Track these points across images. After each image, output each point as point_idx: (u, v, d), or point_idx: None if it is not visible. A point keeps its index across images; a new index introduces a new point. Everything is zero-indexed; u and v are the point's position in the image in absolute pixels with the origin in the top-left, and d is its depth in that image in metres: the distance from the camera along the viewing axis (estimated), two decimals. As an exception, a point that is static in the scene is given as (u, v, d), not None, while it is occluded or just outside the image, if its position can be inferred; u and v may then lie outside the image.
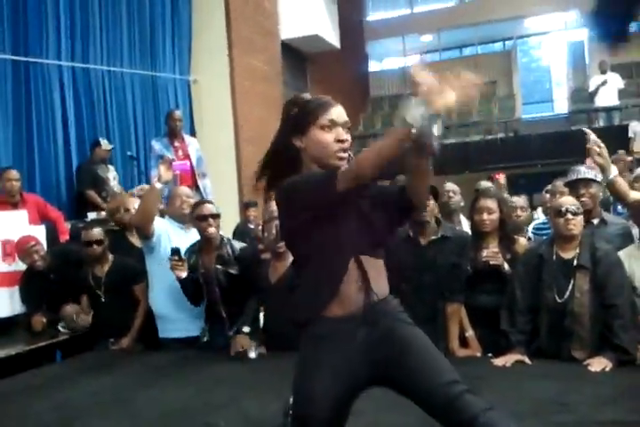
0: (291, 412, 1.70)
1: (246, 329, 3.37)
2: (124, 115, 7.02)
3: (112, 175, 5.85)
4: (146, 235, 3.56)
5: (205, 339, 3.55)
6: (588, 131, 3.37)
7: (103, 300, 3.89)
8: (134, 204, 4.08)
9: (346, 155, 1.73)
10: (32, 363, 3.59)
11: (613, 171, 3.24)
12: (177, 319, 3.64)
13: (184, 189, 3.91)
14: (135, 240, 4.15)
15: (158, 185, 3.50)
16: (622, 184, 3.28)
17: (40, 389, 3.03)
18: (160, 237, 3.61)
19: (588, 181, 3.45)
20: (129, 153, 6.35)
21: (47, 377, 3.27)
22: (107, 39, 6.83)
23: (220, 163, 7.45)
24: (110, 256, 3.96)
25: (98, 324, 3.91)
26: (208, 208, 3.50)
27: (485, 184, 5.26)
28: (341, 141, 1.71)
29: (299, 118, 1.75)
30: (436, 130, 1.44)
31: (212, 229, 3.46)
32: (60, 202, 5.72)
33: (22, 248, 4.15)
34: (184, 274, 3.35)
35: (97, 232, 3.90)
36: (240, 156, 8.59)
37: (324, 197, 1.58)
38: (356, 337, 1.65)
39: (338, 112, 1.75)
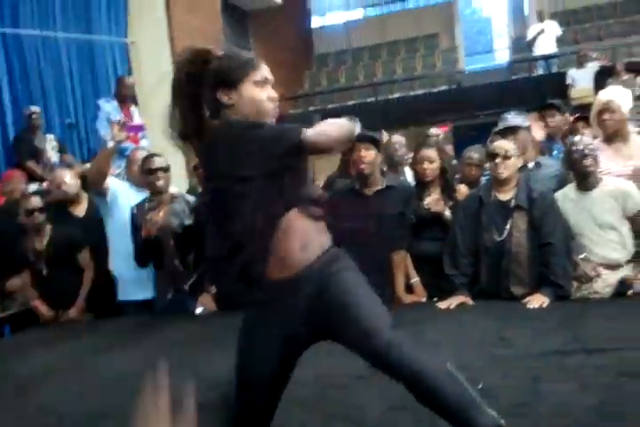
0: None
1: (212, 289, 3.43)
2: (60, 81, 6.77)
3: (50, 146, 5.69)
4: (99, 191, 3.63)
5: (169, 296, 3.56)
6: None
7: (45, 273, 3.81)
8: (67, 176, 4.03)
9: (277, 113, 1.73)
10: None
11: None
12: (137, 281, 3.67)
13: (141, 154, 3.86)
14: (76, 210, 4.09)
15: (111, 144, 3.52)
16: None
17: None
18: (116, 197, 3.65)
19: (514, 128, 3.56)
20: (68, 120, 6.18)
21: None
22: (37, 2, 6.52)
23: (160, 126, 7.31)
24: (48, 228, 3.87)
25: (43, 297, 3.84)
26: (157, 161, 3.49)
27: (435, 131, 5.31)
28: (273, 99, 1.70)
29: (227, 72, 1.68)
30: None
31: (160, 182, 3.45)
32: (-1, 173, 5.55)
33: None
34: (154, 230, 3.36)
35: (36, 200, 3.82)
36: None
37: (289, 145, 1.57)
38: (293, 300, 1.63)
39: (267, 69, 1.73)
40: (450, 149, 4.71)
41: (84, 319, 3.79)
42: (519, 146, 3.46)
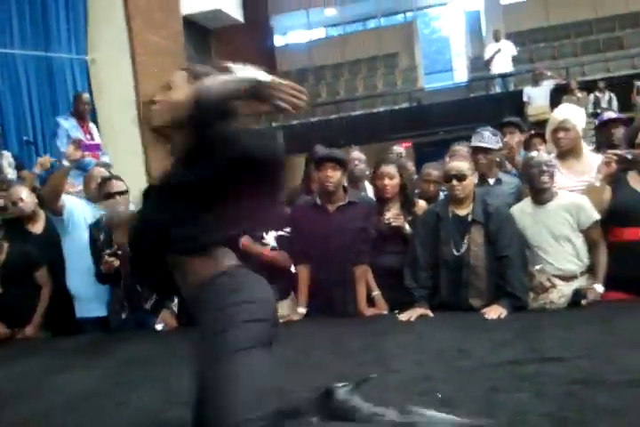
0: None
1: (172, 304, 3.40)
2: (18, 98, 6.68)
3: (7, 162, 5.59)
4: (54, 211, 3.61)
5: (123, 315, 3.52)
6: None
7: (0, 290, 3.73)
8: (23, 193, 3.99)
9: None
10: None
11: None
12: (95, 298, 3.63)
13: (101, 172, 3.84)
14: (33, 228, 4.06)
15: (66, 163, 3.48)
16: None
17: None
18: (72, 215, 3.64)
19: (488, 149, 3.67)
20: (25, 138, 6.09)
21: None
22: (-6, 18, 6.45)
23: (122, 148, 7.21)
24: (6, 246, 3.81)
25: None
26: (116, 185, 3.50)
27: (398, 149, 5.38)
28: None
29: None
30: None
31: (121, 207, 3.44)
32: (-47, 191, 5.42)
33: None
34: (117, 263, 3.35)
35: None
36: (144, 135, 8.39)
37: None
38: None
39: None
40: (411, 165, 4.77)
41: (40, 337, 3.72)
42: (489, 164, 3.57)
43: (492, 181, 3.69)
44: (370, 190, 4.49)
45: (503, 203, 3.34)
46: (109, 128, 6.53)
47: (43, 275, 3.80)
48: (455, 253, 3.09)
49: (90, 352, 3.21)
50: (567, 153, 3.52)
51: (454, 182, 3.14)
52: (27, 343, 3.62)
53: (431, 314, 3.08)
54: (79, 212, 3.68)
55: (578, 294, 3.03)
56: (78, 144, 3.54)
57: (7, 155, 5.65)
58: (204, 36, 11.28)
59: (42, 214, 3.97)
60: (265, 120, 11.76)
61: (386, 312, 3.29)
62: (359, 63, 14.13)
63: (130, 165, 7.45)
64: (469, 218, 3.13)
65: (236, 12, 10.64)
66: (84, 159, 4.19)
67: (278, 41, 15.90)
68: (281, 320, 3.24)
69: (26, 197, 3.97)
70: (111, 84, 7.99)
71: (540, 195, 3.19)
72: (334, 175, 3.29)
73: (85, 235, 3.58)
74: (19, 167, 5.72)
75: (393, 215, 3.34)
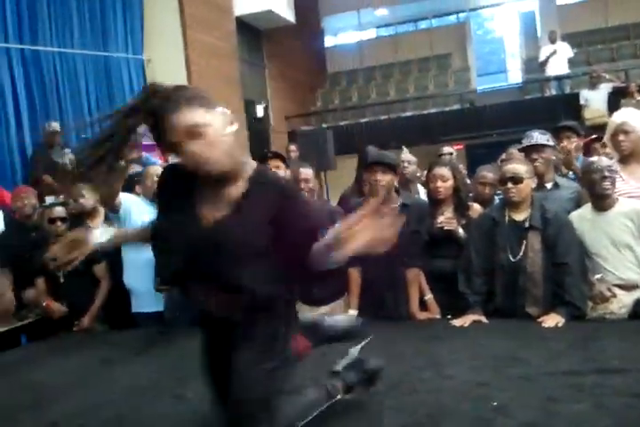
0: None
1: None
2: (77, 97, 6.89)
3: (68, 159, 5.76)
4: (111, 208, 3.67)
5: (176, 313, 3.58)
6: None
7: (62, 281, 3.88)
8: (84, 190, 4.08)
9: None
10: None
11: None
12: (150, 293, 3.68)
13: (156, 169, 3.91)
14: (92, 224, 4.15)
15: (122, 163, 3.54)
16: None
17: (7, 370, 3.04)
18: (129, 212, 3.67)
19: (540, 147, 3.58)
20: (84, 136, 6.24)
21: (14, 359, 3.28)
22: (55, 19, 6.65)
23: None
24: None
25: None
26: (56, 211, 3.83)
27: (448, 149, 5.33)
28: None
29: None
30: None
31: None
32: (15, 186, 5.61)
33: (15, 194, 4.45)
34: None
35: (60, 210, 3.98)
36: (199, 135, 8.52)
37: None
38: None
39: None
40: (462, 167, 4.72)
41: (97, 329, 3.83)
42: (545, 165, 3.47)
43: (549, 185, 3.59)
44: (422, 193, 4.46)
45: (561, 208, 3.26)
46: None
47: (101, 269, 3.91)
48: (511, 259, 3.03)
49: (146, 346, 3.29)
50: (628, 158, 3.41)
51: (509, 185, 3.07)
52: (85, 335, 3.73)
53: (485, 320, 3.03)
54: (136, 209, 3.74)
55: (639, 305, 2.94)
56: (135, 144, 3.61)
57: (67, 152, 5.84)
58: (256, 37, 11.40)
59: (101, 211, 4.08)
60: (315, 121, 11.83)
61: (438, 317, 3.25)
62: (410, 64, 14.02)
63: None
64: (526, 224, 3.06)
65: (287, 13, 10.72)
66: (144, 155, 4.31)
67: (329, 42, 15.93)
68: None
69: (87, 193, 4.11)
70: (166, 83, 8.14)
71: (601, 201, 3.10)
72: (384, 179, 3.25)
73: (141, 232, 3.66)
74: (78, 165, 5.90)
75: (446, 219, 3.30)
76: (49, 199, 5.05)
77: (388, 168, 3.25)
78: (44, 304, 3.85)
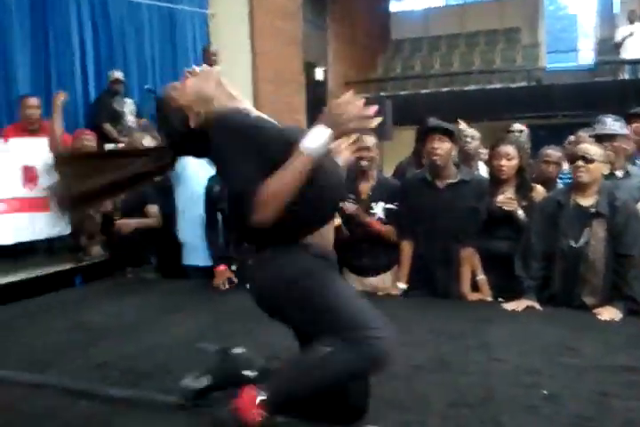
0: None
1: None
2: (141, 47, 6.88)
3: (128, 109, 5.81)
4: None
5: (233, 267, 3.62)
6: None
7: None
8: (146, 139, 4.20)
9: None
10: (52, 286, 3.71)
11: None
12: (202, 247, 3.74)
13: None
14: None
15: None
16: None
17: (61, 310, 3.13)
18: (185, 168, 3.73)
19: (612, 135, 3.44)
20: (147, 86, 6.26)
21: (68, 300, 3.38)
22: (125, -31, 6.62)
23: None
24: None
25: (114, 244, 4.05)
26: None
27: (518, 126, 5.13)
28: None
29: None
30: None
31: None
32: (76, 132, 5.70)
33: (77, 135, 4.52)
34: None
35: None
36: (257, 95, 8.48)
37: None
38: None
39: None
40: (528, 147, 4.54)
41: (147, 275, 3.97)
42: (616, 153, 3.34)
43: (619, 173, 3.45)
44: (483, 170, 4.34)
45: (631, 197, 3.12)
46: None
47: (153, 210, 4.02)
48: (573, 244, 2.93)
49: (197, 298, 3.34)
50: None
51: (580, 163, 2.93)
52: (138, 281, 3.88)
53: (539, 307, 2.95)
54: (192, 164, 3.76)
55: None
56: None
57: (130, 102, 5.88)
58: (322, -2, 11.18)
59: (159, 161, 4.11)
60: (374, 88, 11.62)
61: (490, 299, 3.19)
62: (477, 36, 13.58)
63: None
64: (592, 210, 2.94)
65: (354, -26, 10.45)
66: None
67: (394, 7, 15.52)
68: (380, 293, 3.29)
69: (148, 143, 4.14)
70: (228, 40, 8.09)
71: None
72: (441, 147, 3.16)
73: (198, 187, 3.67)
74: (138, 115, 5.94)
75: (505, 199, 3.20)
76: (108, 147, 5.11)
77: (447, 136, 3.17)
78: (116, 221, 3.96)
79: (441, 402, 1.94)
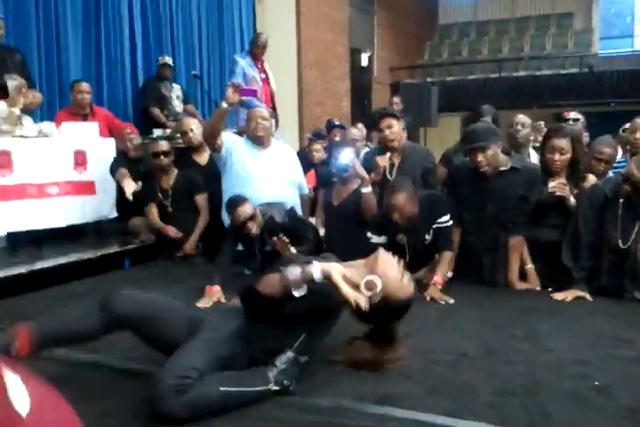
0: None
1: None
2: (189, 33, 6.95)
3: (175, 94, 5.87)
4: (214, 148, 3.76)
5: None
6: None
7: (170, 210, 4.09)
8: (194, 124, 4.29)
9: None
10: (101, 268, 3.80)
11: None
12: None
13: (260, 112, 3.90)
14: (199, 158, 4.34)
15: (224, 105, 3.53)
16: None
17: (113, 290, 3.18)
18: (231, 153, 3.73)
19: None
20: (193, 72, 6.32)
21: (117, 282, 3.45)
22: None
23: (281, 87, 7.34)
24: (175, 170, 4.14)
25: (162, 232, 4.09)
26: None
27: (574, 115, 4.97)
28: None
29: None
30: None
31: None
32: (125, 117, 5.79)
33: (119, 132, 4.60)
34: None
35: (164, 144, 4.12)
36: (302, 80, 8.47)
37: None
38: None
39: None
40: (586, 135, 4.36)
41: (196, 258, 4.01)
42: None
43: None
44: (534, 157, 4.26)
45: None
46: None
47: (202, 199, 4.09)
48: (621, 245, 2.83)
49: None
50: None
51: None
52: (185, 264, 3.97)
53: (590, 298, 2.88)
54: (238, 150, 3.76)
55: None
56: (236, 88, 3.56)
57: (177, 87, 5.94)
58: (369, -15, 11.05)
59: (207, 148, 4.15)
60: (420, 74, 11.46)
61: (538, 288, 3.13)
62: (528, 21, 13.24)
63: (287, 107, 7.61)
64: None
65: (402, -41, 10.28)
66: (247, 99, 4.31)
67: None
68: (425, 281, 3.26)
69: (195, 128, 4.20)
70: (274, 26, 8.09)
71: None
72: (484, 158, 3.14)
73: (243, 172, 3.69)
74: (185, 100, 6.00)
75: (558, 184, 3.11)
76: (156, 131, 5.18)
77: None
78: (163, 230, 4.04)
79: (487, 391, 1.91)
